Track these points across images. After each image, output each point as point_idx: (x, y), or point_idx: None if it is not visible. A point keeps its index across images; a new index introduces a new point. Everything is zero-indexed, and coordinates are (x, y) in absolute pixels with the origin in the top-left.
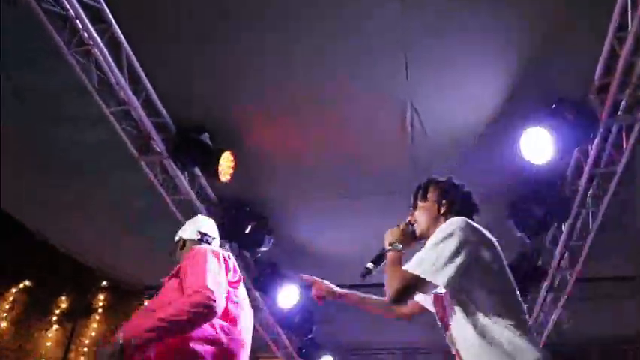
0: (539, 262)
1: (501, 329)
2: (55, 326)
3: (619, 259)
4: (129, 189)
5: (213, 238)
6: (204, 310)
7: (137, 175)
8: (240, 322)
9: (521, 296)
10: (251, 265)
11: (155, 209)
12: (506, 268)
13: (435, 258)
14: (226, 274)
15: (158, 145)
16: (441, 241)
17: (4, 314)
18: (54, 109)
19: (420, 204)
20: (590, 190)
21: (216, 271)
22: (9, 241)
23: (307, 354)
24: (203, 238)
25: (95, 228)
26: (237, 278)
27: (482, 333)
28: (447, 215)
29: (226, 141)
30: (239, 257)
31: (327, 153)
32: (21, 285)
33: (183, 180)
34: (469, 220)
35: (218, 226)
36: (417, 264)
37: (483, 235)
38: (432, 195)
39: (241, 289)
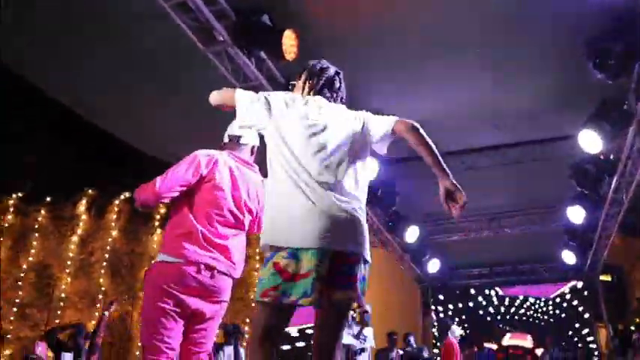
0: (625, 106)
1: None
2: (158, 230)
3: None
4: (201, 85)
5: (240, 137)
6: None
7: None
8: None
9: None
10: None
11: None
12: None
13: None
14: (196, 172)
15: (221, 33)
16: None
17: (113, 224)
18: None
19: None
20: None
21: (178, 172)
22: (104, 155)
23: (394, 226)
24: (233, 139)
25: (178, 129)
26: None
27: None
28: (309, 93)
29: (286, 20)
30: None
31: (390, 19)
32: (122, 197)
33: (250, 65)
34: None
35: None
36: None
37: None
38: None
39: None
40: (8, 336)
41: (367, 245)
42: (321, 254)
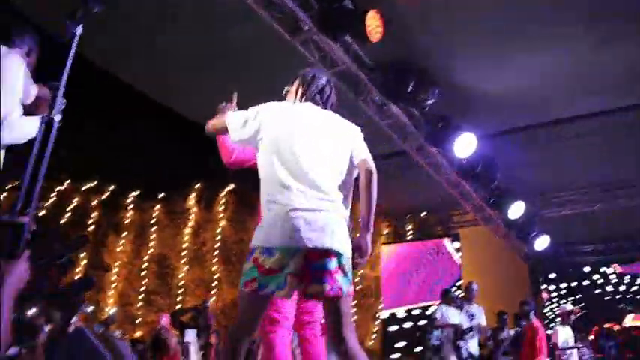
0: None
1: None
2: None
3: None
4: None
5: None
6: None
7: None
8: None
9: None
10: (421, 123)
11: None
12: None
13: None
14: None
15: (306, 22)
16: None
17: (221, 215)
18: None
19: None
20: None
21: None
22: (208, 150)
23: (496, 203)
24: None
25: None
26: None
27: None
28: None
29: (369, 0)
30: (408, 115)
31: None
32: (227, 189)
33: (337, 50)
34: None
35: (380, 88)
36: None
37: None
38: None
39: None
40: (137, 320)
41: (344, 241)
42: (292, 252)
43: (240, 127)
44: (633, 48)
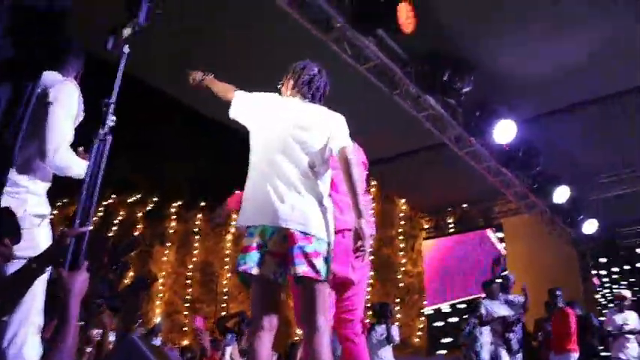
0: None
1: None
2: None
3: None
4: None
5: None
6: None
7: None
8: None
9: None
10: (458, 112)
11: (352, 86)
12: None
13: None
14: None
15: (338, 19)
16: None
17: None
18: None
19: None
20: None
21: None
22: (246, 156)
23: (540, 188)
24: None
25: None
26: None
27: None
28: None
29: None
30: (444, 106)
31: None
32: None
33: (370, 45)
34: None
35: (415, 81)
36: None
37: None
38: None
39: None
40: (184, 329)
41: (322, 227)
42: (270, 231)
43: (239, 107)
44: None
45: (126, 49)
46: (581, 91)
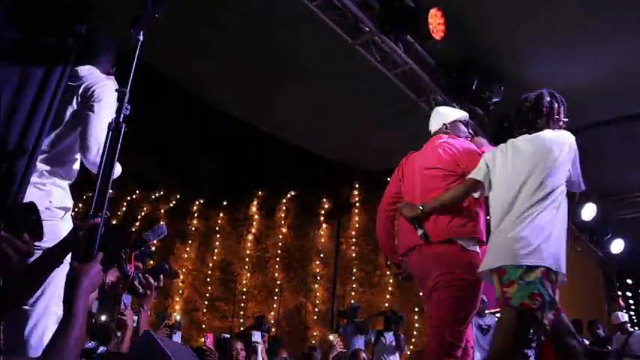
0: None
1: None
2: (324, 225)
3: None
4: (354, 79)
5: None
6: None
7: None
8: None
9: None
10: (486, 122)
11: (379, 91)
12: None
13: None
14: None
15: (366, 23)
16: None
17: (282, 221)
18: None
19: None
20: None
21: None
22: (268, 157)
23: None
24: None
25: (333, 125)
26: None
27: None
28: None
29: None
30: (472, 117)
31: None
32: (288, 195)
33: (398, 50)
34: None
35: (442, 88)
36: None
37: None
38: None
39: None
40: (203, 326)
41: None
42: None
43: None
44: None
45: (140, 36)
46: (613, 107)
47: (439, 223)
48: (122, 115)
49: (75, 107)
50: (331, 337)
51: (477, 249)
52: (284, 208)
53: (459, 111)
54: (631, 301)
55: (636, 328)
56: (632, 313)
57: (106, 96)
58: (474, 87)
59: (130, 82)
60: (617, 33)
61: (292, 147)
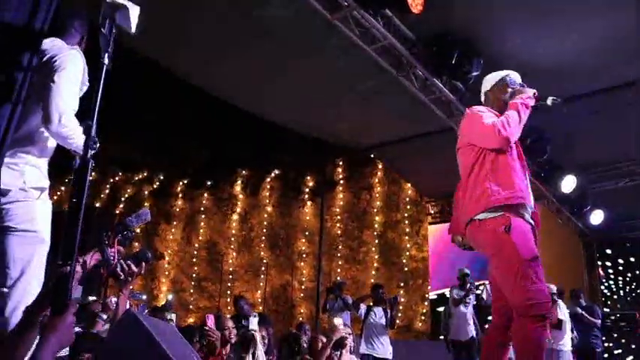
0: None
1: None
2: (309, 203)
3: None
4: (339, 57)
5: None
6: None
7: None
8: None
9: None
10: (466, 97)
11: (358, 67)
12: None
13: None
14: None
15: None
16: None
17: (267, 200)
18: None
19: None
20: None
21: None
22: (251, 136)
23: (548, 178)
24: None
25: (314, 102)
26: None
27: None
28: None
29: None
30: (452, 91)
31: None
32: (272, 174)
33: (377, 25)
34: None
35: (423, 63)
36: None
37: None
38: None
39: None
40: (190, 307)
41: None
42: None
43: None
44: None
45: (105, 60)
46: (593, 80)
47: None
48: (89, 151)
49: (38, 80)
50: (335, 322)
51: None
52: (268, 187)
53: (499, 73)
54: (610, 271)
55: (615, 296)
56: (611, 282)
57: (69, 65)
58: (453, 61)
59: (95, 115)
60: (598, 6)
61: (275, 126)
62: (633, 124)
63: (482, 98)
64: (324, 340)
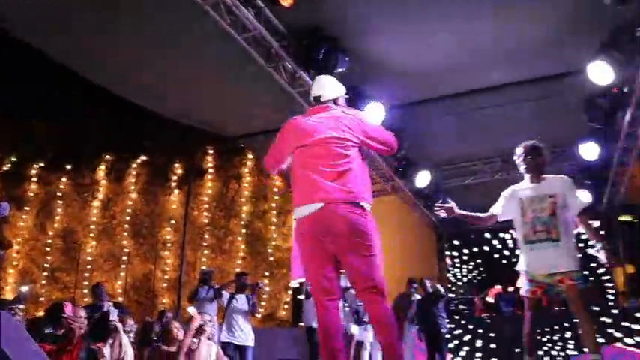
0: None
1: None
2: (176, 191)
3: None
4: (207, 42)
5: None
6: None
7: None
8: None
9: None
10: None
11: (231, 56)
12: None
13: None
14: None
15: None
16: None
17: (132, 187)
18: None
19: None
20: None
21: None
22: (118, 120)
23: (404, 172)
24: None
25: (185, 88)
26: None
27: None
28: None
29: None
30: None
31: None
32: (139, 160)
33: (248, 15)
34: None
35: (292, 56)
36: None
37: None
38: None
39: None
40: (41, 299)
41: None
42: None
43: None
44: (536, 22)
45: None
46: (448, 83)
47: None
48: None
49: None
50: (190, 311)
51: None
52: (134, 173)
53: (341, 87)
54: (457, 260)
55: (459, 283)
56: (457, 270)
57: None
58: (320, 56)
59: None
60: (458, 13)
61: (144, 111)
62: (480, 127)
63: (330, 98)
64: (177, 326)
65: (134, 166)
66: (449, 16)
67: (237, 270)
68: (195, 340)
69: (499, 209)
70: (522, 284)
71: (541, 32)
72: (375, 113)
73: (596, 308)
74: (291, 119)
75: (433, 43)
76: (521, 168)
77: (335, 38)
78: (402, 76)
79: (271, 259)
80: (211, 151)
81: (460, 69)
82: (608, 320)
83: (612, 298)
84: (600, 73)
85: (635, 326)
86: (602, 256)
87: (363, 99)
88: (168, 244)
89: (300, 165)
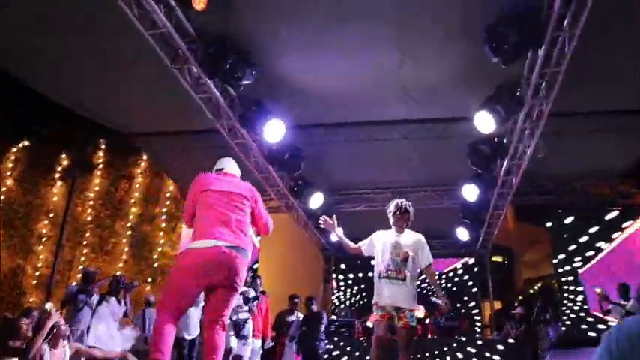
0: (518, 93)
1: None
2: (59, 183)
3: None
4: (108, 31)
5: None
6: None
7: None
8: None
9: None
10: (236, 103)
11: (138, 51)
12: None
13: None
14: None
15: None
16: None
17: (8, 173)
18: None
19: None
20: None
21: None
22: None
23: (298, 192)
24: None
25: (81, 73)
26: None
27: None
28: None
29: None
30: (223, 94)
31: None
32: (20, 144)
33: (158, 11)
34: None
35: (198, 61)
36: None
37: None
38: None
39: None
40: None
41: None
42: None
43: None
44: (433, 66)
45: None
46: (345, 113)
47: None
48: None
49: None
50: (47, 306)
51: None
52: (13, 157)
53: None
54: (342, 283)
55: (342, 305)
56: (341, 293)
57: None
58: (227, 65)
59: None
60: (357, 46)
61: (35, 93)
62: (375, 158)
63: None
64: (28, 322)
65: (14, 150)
66: (353, 45)
67: (119, 273)
68: (46, 346)
69: (366, 246)
70: (373, 311)
71: (438, 76)
72: (275, 130)
73: (464, 338)
74: (200, 174)
75: (335, 70)
76: (391, 221)
77: (244, 50)
78: (305, 97)
79: (156, 265)
80: (103, 146)
81: (360, 99)
82: (473, 350)
83: (479, 330)
84: (484, 122)
85: (495, 357)
86: (442, 303)
87: (265, 114)
88: (44, 239)
89: (204, 205)
